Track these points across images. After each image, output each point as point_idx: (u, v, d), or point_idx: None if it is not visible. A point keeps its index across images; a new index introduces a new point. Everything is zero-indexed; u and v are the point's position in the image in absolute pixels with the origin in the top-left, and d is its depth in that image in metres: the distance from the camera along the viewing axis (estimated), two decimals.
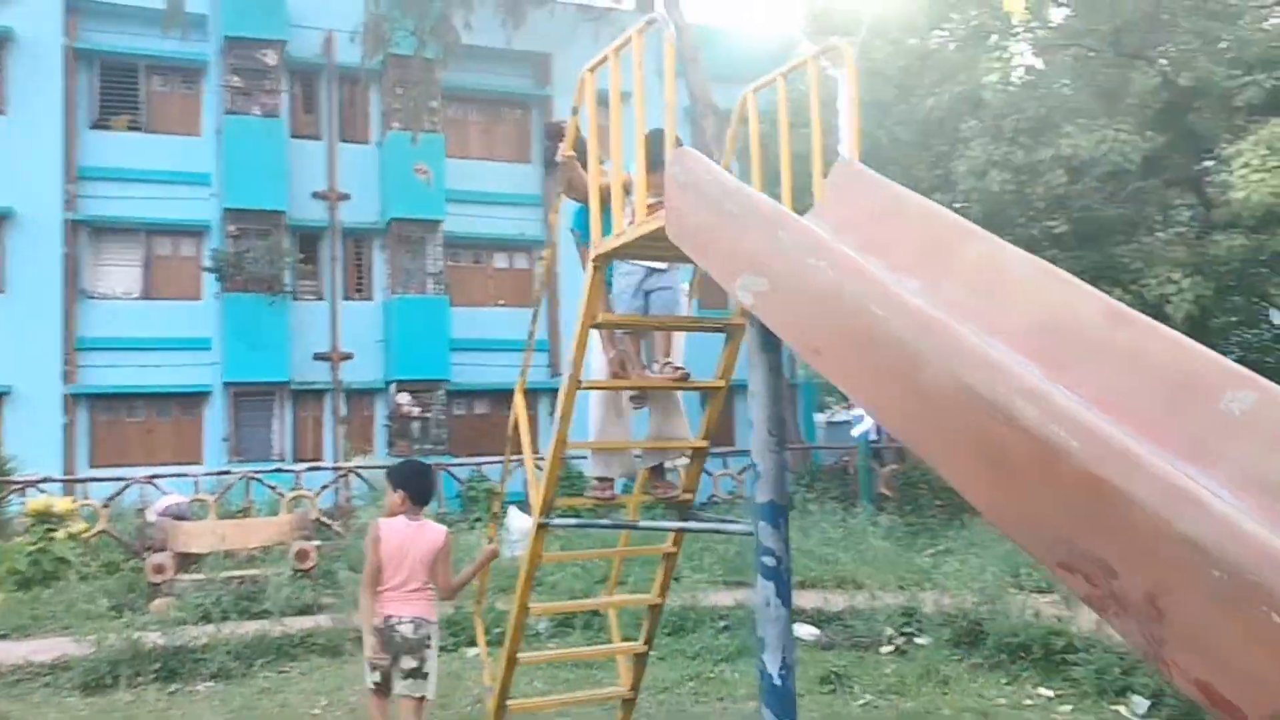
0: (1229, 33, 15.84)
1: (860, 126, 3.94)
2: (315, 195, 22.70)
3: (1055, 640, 7.49)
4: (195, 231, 22.03)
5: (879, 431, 15.55)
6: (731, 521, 4.36)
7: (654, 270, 4.54)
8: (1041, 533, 2.07)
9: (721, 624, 8.75)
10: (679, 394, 4.90)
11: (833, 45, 4.34)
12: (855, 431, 13.88)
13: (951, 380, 2.21)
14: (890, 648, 8.24)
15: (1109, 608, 1.98)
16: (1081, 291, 2.81)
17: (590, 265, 3.93)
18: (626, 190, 3.77)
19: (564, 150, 4.22)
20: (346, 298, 23.00)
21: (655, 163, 3.73)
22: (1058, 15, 17.68)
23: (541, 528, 4.60)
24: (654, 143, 3.80)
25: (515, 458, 5.06)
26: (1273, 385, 2.45)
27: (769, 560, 3.51)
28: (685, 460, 4.99)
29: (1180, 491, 1.87)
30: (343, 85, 23.37)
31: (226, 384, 21.16)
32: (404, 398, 22.30)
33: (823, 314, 2.67)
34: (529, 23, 23.06)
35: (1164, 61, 15.98)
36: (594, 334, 4.19)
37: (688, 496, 4.68)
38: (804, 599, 9.20)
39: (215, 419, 21.46)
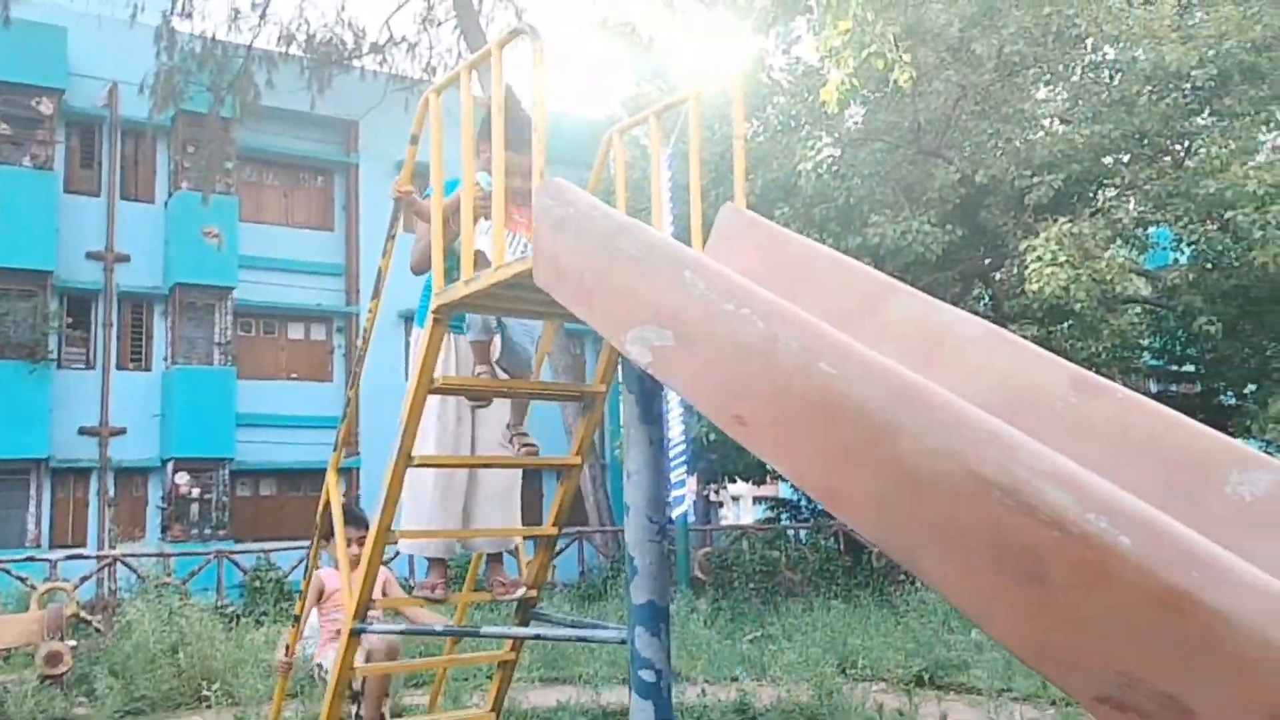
0: (1018, 135, 16.84)
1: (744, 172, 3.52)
2: (90, 255, 20.76)
3: None
4: None
5: (695, 511, 15.23)
6: (597, 626, 3.71)
7: None
8: (1078, 658, 1.57)
9: None
10: (516, 471, 4.26)
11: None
12: (675, 513, 13.46)
13: (944, 460, 1.70)
14: None
15: None
16: (1040, 358, 2.39)
17: (430, 318, 3.28)
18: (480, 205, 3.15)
19: (400, 183, 3.58)
20: (120, 367, 20.98)
21: (515, 143, 3.11)
22: (859, 112, 18.40)
23: (354, 635, 3.84)
24: (515, 122, 3.18)
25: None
26: None
27: (647, 675, 2.91)
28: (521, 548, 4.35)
29: None
30: (126, 140, 21.66)
31: None
32: (182, 477, 20.41)
33: (749, 374, 2.12)
34: (335, 87, 22.11)
35: (959, 160, 16.79)
36: (430, 400, 3.52)
37: (533, 594, 4.03)
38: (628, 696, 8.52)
39: None
